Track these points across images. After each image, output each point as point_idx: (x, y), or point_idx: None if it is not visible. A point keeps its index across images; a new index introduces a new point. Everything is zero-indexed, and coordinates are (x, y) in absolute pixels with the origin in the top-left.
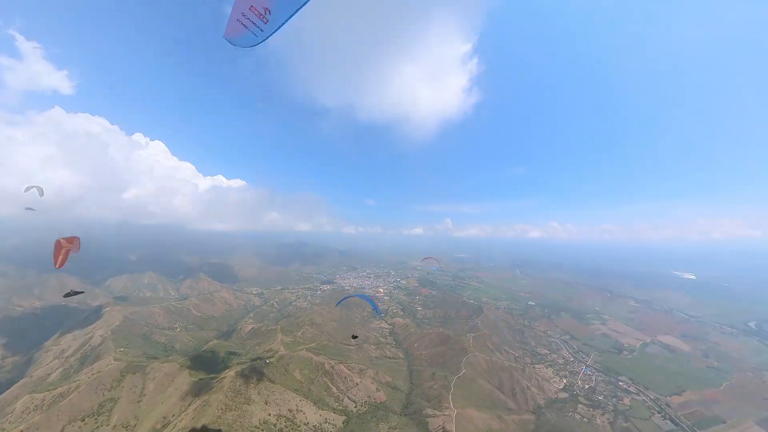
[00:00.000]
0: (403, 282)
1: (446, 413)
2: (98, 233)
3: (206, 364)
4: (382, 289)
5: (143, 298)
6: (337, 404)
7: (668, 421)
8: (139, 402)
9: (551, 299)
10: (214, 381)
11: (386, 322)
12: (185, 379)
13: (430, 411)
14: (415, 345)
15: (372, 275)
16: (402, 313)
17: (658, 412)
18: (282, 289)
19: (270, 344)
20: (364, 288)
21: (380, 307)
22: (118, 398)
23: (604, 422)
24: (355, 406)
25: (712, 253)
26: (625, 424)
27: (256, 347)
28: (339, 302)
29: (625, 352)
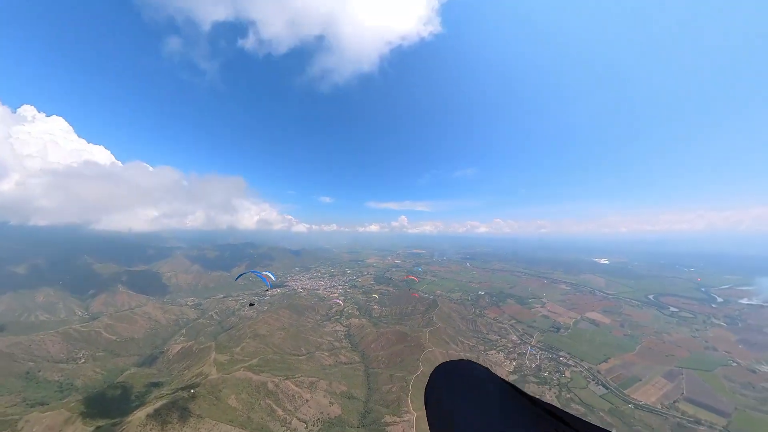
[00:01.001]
0: (359, 280)
1: (406, 418)
2: None
3: (112, 405)
4: (337, 289)
5: (34, 324)
6: (285, 429)
7: (601, 387)
8: None
9: (498, 288)
10: (117, 428)
11: (341, 324)
12: (78, 431)
13: (388, 418)
14: (372, 346)
15: (327, 275)
16: (358, 313)
17: (593, 380)
18: (224, 297)
19: (201, 367)
20: (317, 289)
21: (337, 309)
22: None
23: (551, 396)
24: (306, 427)
25: (619, 243)
26: (568, 395)
27: (185, 372)
28: (237, 278)
29: (562, 330)
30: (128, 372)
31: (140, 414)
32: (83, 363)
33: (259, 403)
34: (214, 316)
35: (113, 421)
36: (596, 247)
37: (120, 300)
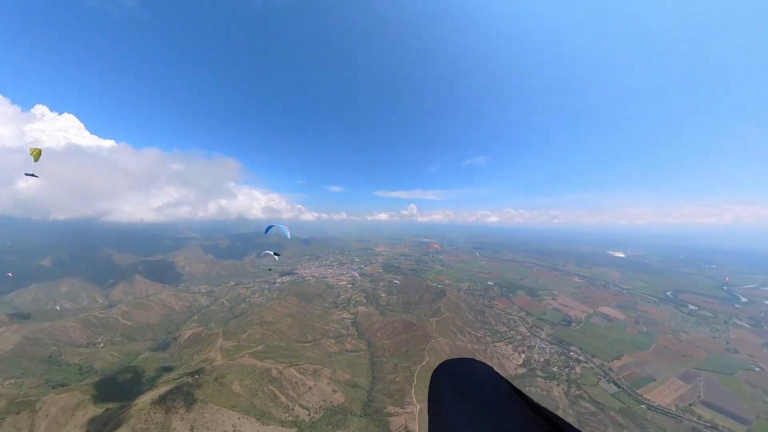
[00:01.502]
0: (367, 269)
1: (409, 410)
2: None
3: (123, 388)
4: (345, 278)
5: (58, 312)
6: (287, 415)
7: (612, 385)
8: None
9: (508, 279)
10: (124, 411)
11: (348, 311)
12: (89, 412)
13: (391, 408)
14: (378, 334)
15: (336, 263)
16: (365, 301)
17: (604, 377)
18: (235, 284)
19: (208, 352)
20: (326, 277)
21: (344, 297)
22: None
23: (560, 392)
24: (308, 414)
25: (636, 236)
26: (577, 392)
27: (194, 356)
28: (267, 230)
29: (574, 324)
30: (142, 356)
31: (146, 398)
32: (102, 347)
33: (263, 390)
34: (225, 302)
35: (122, 404)
36: (611, 240)
37: (138, 288)
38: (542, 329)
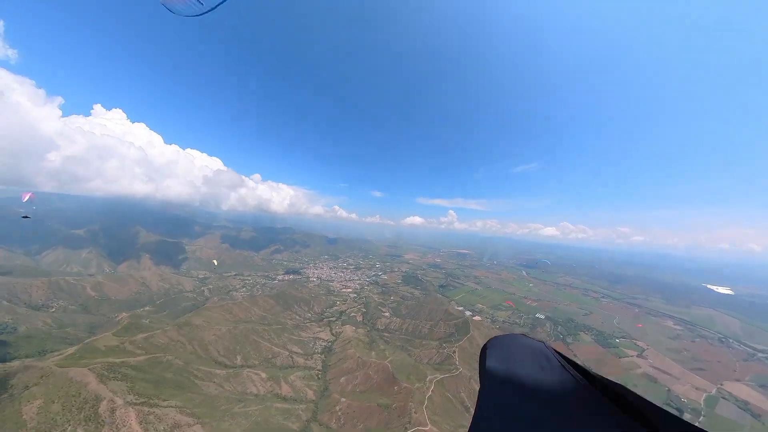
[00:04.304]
0: (384, 277)
1: None
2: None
3: None
4: (353, 284)
5: (65, 273)
6: None
7: None
8: None
9: (565, 312)
10: None
11: (330, 330)
12: None
13: None
14: (342, 380)
15: (352, 266)
16: (360, 319)
17: None
18: (235, 275)
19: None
20: (332, 281)
21: (337, 309)
22: None
23: None
24: None
25: (744, 266)
26: None
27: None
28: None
29: (689, 414)
30: (67, 329)
31: None
32: (51, 312)
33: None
34: (206, 292)
35: None
36: (708, 269)
37: (142, 266)
38: None
